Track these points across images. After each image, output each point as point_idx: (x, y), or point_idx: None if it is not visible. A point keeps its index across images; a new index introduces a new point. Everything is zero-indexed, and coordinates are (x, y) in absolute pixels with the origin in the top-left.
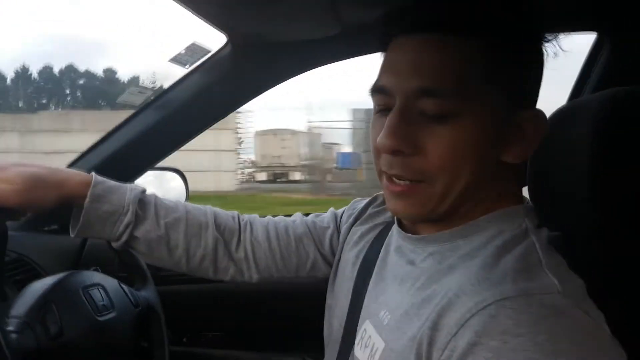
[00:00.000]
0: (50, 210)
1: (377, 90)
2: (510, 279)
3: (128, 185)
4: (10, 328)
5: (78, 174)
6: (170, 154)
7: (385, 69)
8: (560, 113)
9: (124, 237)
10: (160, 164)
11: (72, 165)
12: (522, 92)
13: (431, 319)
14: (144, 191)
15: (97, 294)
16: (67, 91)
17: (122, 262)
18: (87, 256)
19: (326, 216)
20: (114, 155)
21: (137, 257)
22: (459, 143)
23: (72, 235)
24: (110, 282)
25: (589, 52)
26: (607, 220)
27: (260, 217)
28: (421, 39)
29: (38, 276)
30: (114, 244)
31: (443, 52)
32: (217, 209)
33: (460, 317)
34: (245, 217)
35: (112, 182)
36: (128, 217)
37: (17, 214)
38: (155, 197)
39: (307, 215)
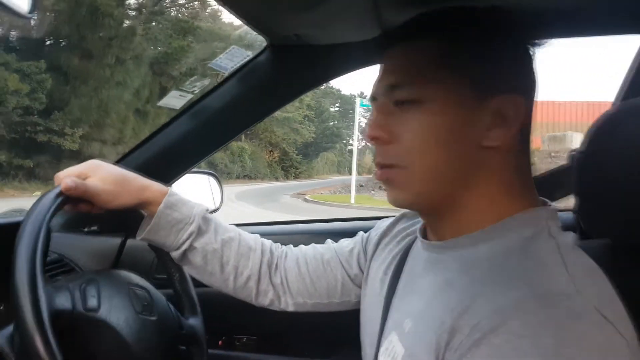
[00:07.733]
0: (126, 210)
1: (371, 99)
2: (526, 281)
3: (195, 202)
4: (49, 286)
5: (157, 183)
6: (209, 157)
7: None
8: (611, 116)
9: (185, 246)
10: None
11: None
12: (489, 80)
13: (448, 322)
14: (207, 209)
15: (142, 294)
16: None
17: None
18: (126, 258)
19: (354, 239)
20: (154, 157)
21: (189, 286)
22: (424, 127)
23: (138, 238)
24: (158, 296)
25: (638, 53)
26: None
27: (293, 247)
28: (390, 50)
29: None
30: (174, 253)
31: (405, 54)
32: (263, 239)
33: (475, 321)
34: (283, 246)
35: (183, 197)
36: (192, 227)
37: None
38: (215, 217)
39: (337, 241)
